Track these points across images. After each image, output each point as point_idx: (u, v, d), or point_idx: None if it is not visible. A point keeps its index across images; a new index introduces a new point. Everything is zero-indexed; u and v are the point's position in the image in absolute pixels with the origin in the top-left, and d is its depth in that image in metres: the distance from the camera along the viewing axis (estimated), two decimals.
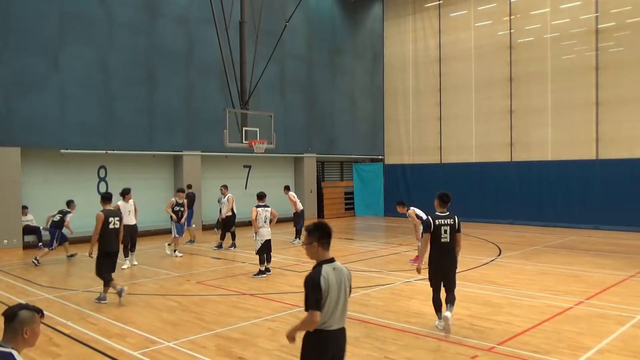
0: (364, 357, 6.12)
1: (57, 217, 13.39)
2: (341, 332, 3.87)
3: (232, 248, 15.13)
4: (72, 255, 13.65)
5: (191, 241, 16.32)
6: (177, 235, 13.91)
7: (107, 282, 8.92)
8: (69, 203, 13.82)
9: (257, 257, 11.22)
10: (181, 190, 14.70)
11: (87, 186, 17.45)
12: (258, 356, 6.23)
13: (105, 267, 8.93)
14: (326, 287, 3.71)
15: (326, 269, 3.80)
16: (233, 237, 15.44)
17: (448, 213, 7.19)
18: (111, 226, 8.95)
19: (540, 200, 19.97)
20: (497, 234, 17.76)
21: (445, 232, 7.02)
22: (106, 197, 9.25)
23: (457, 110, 22.42)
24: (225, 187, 15.87)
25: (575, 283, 9.94)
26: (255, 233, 11.20)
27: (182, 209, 14.13)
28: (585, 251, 13.90)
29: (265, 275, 10.98)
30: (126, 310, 8.53)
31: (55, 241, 13.20)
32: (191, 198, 16.91)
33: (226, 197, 15.38)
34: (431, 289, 7.23)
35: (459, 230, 7.13)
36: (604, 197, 18.40)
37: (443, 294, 7.20)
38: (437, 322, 7.23)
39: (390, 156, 25.12)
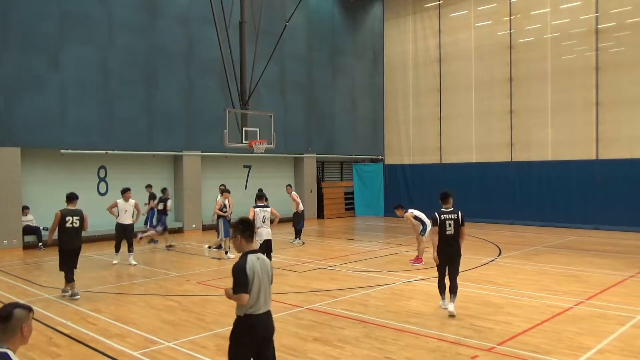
0: (364, 357, 6.12)
1: (161, 206, 15.14)
2: (267, 315, 4.36)
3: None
4: (171, 246, 15.31)
5: (155, 241, 16.23)
6: (224, 238, 13.84)
7: (66, 279, 9.31)
8: (164, 190, 15.36)
9: None
10: (227, 191, 14.61)
11: (87, 186, 17.44)
12: None
13: (61, 264, 9.34)
14: (252, 273, 4.24)
15: (251, 258, 4.31)
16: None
17: (452, 209, 8.07)
18: (68, 225, 9.23)
19: (540, 200, 19.97)
20: (497, 234, 17.76)
21: (450, 225, 7.93)
22: (69, 197, 9.51)
23: (457, 110, 22.41)
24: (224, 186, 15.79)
25: (575, 283, 9.94)
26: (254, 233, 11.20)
27: (227, 209, 14.32)
28: (585, 251, 13.89)
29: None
30: (126, 310, 8.53)
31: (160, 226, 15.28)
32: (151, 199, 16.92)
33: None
34: (437, 274, 8.17)
35: (462, 224, 7.98)
36: (604, 197, 18.39)
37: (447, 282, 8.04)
38: (440, 302, 8.17)
39: (390, 156, 25.12)
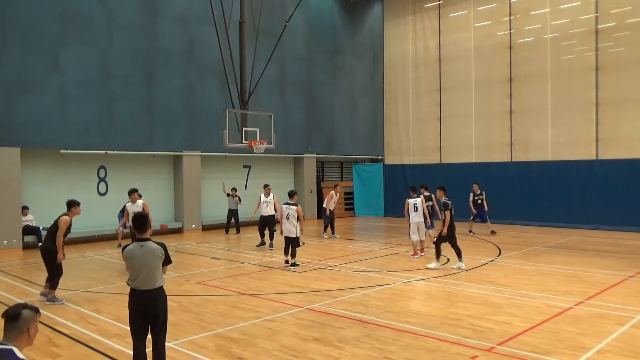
0: (364, 357, 6.12)
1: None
2: (152, 292, 5.23)
3: (271, 248, 14.76)
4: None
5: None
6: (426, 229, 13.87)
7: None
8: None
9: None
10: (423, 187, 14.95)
11: (87, 186, 17.44)
12: (258, 356, 6.23)
13: None
14: (127, 257, 5.28)
15: (134, 245, 5.31)
16: (271, 236, 15.05)
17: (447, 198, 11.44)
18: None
19: (540, 200, 19.96)
20: (497, 234, 17.77)
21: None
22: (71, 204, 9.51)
23: (457, 110, 22.41)
24: (268, 186, 15.67)
25: (575, 283, 9.94)
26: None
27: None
28: (585, 251, 13.89)
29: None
30: (126, 310, 8.50)
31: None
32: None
33: (271, 196, 15.23)
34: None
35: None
36: (604, 197, 18.38)
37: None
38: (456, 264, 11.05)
39: (390, 156, 25.12)
